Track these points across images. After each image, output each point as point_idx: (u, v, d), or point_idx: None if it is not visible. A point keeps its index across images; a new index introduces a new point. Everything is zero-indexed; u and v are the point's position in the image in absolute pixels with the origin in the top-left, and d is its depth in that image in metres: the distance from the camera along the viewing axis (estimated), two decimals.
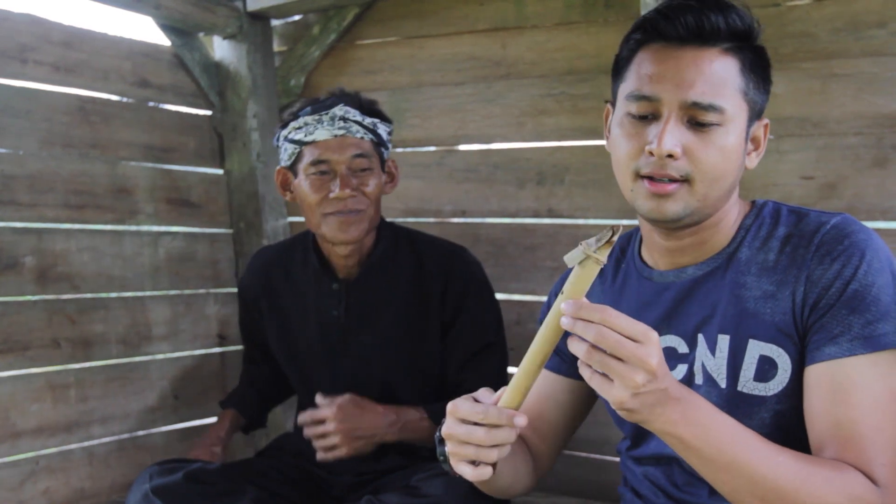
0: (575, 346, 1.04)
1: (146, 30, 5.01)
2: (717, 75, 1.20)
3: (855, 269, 1.18)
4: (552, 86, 2.39)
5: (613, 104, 1.33)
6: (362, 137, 1.93)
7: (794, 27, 2.06)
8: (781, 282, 1.24)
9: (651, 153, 1.20)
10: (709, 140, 1.20)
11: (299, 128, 1.93)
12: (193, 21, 2.56)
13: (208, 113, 2.75)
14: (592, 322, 1.01)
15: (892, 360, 1.17)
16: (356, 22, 2.68)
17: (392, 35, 2.66)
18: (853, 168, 2.01)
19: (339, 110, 1.91)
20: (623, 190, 1.28)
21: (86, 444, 2.32)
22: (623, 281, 1.43)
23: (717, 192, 1.23)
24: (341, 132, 1.91)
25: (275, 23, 2.81)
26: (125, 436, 2.42)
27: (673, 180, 1.21)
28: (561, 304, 1.03)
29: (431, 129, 2.59)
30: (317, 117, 1.91)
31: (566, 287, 1.05)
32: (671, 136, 1.19)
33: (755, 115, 1.27)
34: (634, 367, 1.01)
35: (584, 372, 1.05)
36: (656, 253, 1.37)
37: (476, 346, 1.98)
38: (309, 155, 1.92)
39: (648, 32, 1.25)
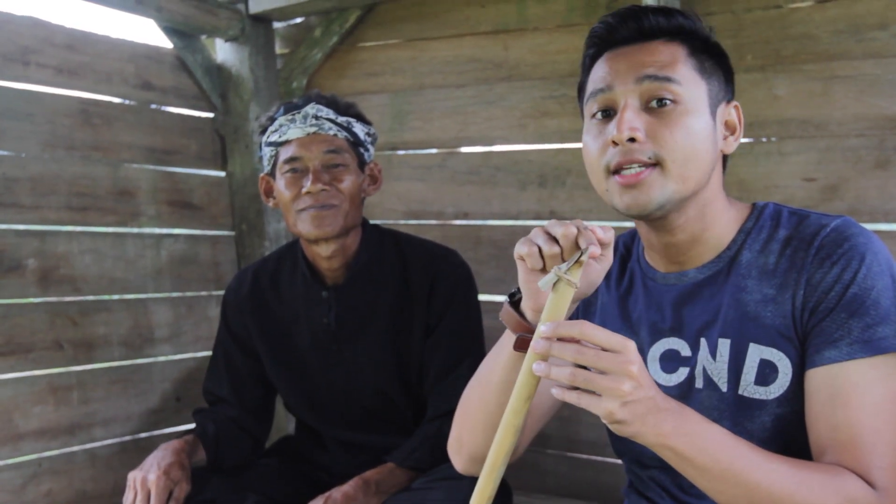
0: (557, 372, 1.04)
1: (148, 32, 5.02)
2: (666, 55, 1.24)
3: (854, 272, 1.18)
4: (554, 88, 2.39)
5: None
6: (335, 135, 1.92)
7: (795, 29, 2.06)
8: (781, 285, 1.24)
9: (615, 143, 1.21)
10: (670, 119, 1.21)
11: (275, 130, 1.94)
12: (195, 23, 2.56)
13: (210, 115, 2.75)
14: (572, 338, 1.03)
15: (892, 363, 1.17)
16: (358, 24, 2.69)
17: (394, 37, 2.66)
18: (855, 170, 2.01)
19: (310, 109, 1.91)
20: (600, 193, 1.29)
21: (88, 446, 2.32)
22: (629, 281, 1.43)
23: (693, 172, 1.22)
24: (313, 129, 1.90)
25: (277, 25, 2.82)
26: (127, 438, 2.42)
27: (643, 165, 1.21)
28: (540, 328, 1.05)
29: (433, 130, 2.59)
30: (290, 117, 1.91)
31: (543, 314, 1.06)
32: (628, 119, 1.20)
33: (719, 96, 1.28)
34: (618, 376, 1.02)
35: (570, 397, 1.05)
36: (657, 255, 1.37)
37: (454, 357, 1.94)
38: (283, 154, 1.93)
39: (597, 45, 1.30)
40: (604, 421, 1.06)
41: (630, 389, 1.02)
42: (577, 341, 1.04)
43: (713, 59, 1.29)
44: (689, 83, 1.23)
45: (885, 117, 1.97)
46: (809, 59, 2.05)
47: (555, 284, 1.06)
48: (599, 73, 1.27)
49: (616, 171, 1.23)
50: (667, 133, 1.20)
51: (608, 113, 1.25)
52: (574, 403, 1.05)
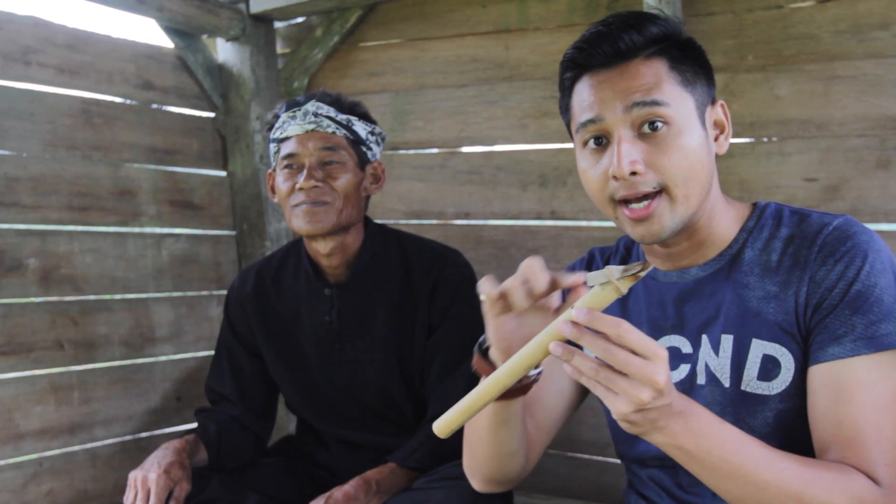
0: (579, 362, 1.01)
1: (150, 32, 5.02)
2: (648, 77, 1.22)
3: (858, 270, 1.19)
4: (555, 88, 2.34)
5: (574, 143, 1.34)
6: (333, 132, 1.93)
7: (797, 29, 2.06)
8: (784, 282, 1.24)
9: (615, 177, 1.21)
10: (665, 143, 1.21)
11: (278, 127, 1.95)
12: (197, 23, 2.56)
13: (211, 115, 2.75)
14: (605, 334, 0.99)
15: (895, 360, 1.17)
16: (359, 24, 2.69)
17: (395, 37, 2.66)
18: (856, 170, 2.01)
19: (310, 106, 1.92)
20: (609, 218, 1.29)
21: (89, 445, 2.32)
22: None
23: (695, 189, 1.23)
24: (311, 126, 1.91)
25: (278, 25, 2.82)
26: (128, 437, 2.42)
27: (648, 196, 1.21)
28: (571, 311, 1.01)
29: (434, 130, 2.59)
30: (291, 114, 1.93)
31: (579, 303, 1.02)
32: (627, 154, 1.20)
33: (704, 102, 1.27)
34: (641, 384, 0.99)
35: (588, 382, 1.02)
36: (658, 258, 1.37)
37: (455, 357, 1.94)
38: (283, 150, 1.94)
39: (574, 69, 1.28)
40: (614, 418, 1.04)
41: (649, 399, 0.99)
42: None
43: (694, 63, 1.27)
44: (677, 100, 1.22)
45: (887, 117, 1.97)
46: (811, 59, 2.05)
47: (602, 284, 1.02)
48: (584, 100, 1.26)
49: (623, 201, 1.23)
50: (665, 159, 1.20)
51: (601, 141, 1.25)
52: (590, 389, 1.03)
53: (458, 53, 2.55)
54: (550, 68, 2.39)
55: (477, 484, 1.45)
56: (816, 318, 1.20)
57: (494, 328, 1.18)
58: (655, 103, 1.20)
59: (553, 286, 1.12)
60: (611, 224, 2.31)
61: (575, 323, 1.00)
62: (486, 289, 1.14)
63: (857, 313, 1.17)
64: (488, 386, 1.09)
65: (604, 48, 1.24)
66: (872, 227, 1.28)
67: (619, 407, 1.01)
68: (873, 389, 1.16)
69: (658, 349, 1.00)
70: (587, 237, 2.34)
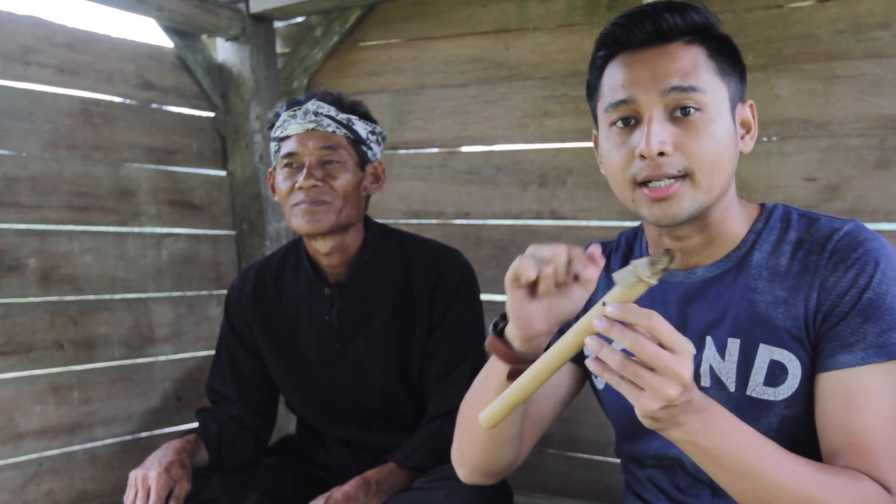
0: (608, 355, 1.00)
1: (149, 32, 5.01)
2: (686, 61, 1.21)
3: (869, 277, 1.18)
4: (555, 87, 2.39)
5: (597, 126, 1.33)
6: (333, 131, 1.93)
7: (796, 29, 2.06)
8: (794, 287, 1.23)
9: (642, 156, 1.19)
10: (696, 129, 1.20)
11: (278, 126, 1.95)
12: (196, 23, 2.56)
13: (211, 115, 2.75)
14: (637, 326, 0.99)
15: None
16: (359, 24, 2.69)
17: (395, 37, 2.66)
18: (856, 170, 2.01)
19: (311, 105, 1.92)
20: (625, 202, 1.27)
21: (88, 445, 2.32)
22: None
23: (719, 180, 1.22)
24: (311, 125, 1.91)
25: (277, 24, 2.82)
26: (128, 437, 2.42)
27: (672, 178, 1.20)
28: (606, 306, 1.01)
29: (434, 130, 2.59)
30: (291, 113, 1.93)
31: (609, 297, 1.02)
32: (657, 133, 1.18)
33: (736, 97, 1.27)
34: (669, 379, 0.98)
35: (611, 378, 1.02)
36: None
37: (455, 356, 1.94)
38: (283, 149, 1.94)
39: (611, 46, 1.27)
40: (637, 414, 1.03)
41: (676, 395, 0.99)
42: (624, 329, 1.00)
43: (730, 59, 1.27)
44: (712, 89, 1.21)
45: (886, 117, 1.97)
46: (810, 58, 2.05)
47: (632, 284, 1.03)
48: (618, 79, 1.24)
49: (643, 182, 1.21)
50: (694, 145, 1.19)
51: (629, 122, 1.23)
52: (613, 386, 1.02)
53: (458, 53, 2.55)
54: (550, 68, 2.40)
55: (463, 473, 1.44)
56: (827, 326, 1.20)
57: (516, 305, 1.18)
58: (693, 89, 1.19)
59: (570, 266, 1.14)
60: (611, 224, 2.32)
61: (608, 317, 1.00)
62: (528, 272, 1.14)
63: (868, 321, 1.17)
64: (526, 381, 1.11)
65: (645, 26, 1.22)
66: (872, 226, 1.28)
67: (645, 403, 1.00)
68: (884, 398, 1.15)
69: (686, 344, 0.99)
70: (587, 237, 2.34)
